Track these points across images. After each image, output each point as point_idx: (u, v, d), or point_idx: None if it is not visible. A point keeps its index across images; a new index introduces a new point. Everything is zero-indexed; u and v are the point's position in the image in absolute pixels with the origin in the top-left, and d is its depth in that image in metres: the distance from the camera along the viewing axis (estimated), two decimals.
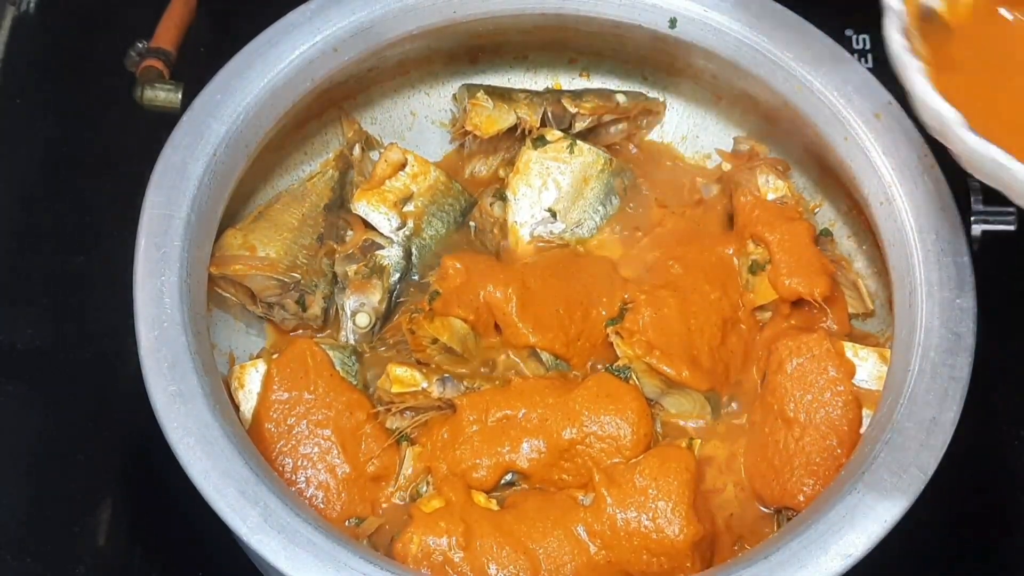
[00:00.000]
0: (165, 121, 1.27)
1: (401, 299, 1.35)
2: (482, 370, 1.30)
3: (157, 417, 1.10)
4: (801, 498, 1.22)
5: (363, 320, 1.32)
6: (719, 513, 1.26)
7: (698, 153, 1.47)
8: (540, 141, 1.37)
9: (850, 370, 1.25)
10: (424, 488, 1.23)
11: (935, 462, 1.12)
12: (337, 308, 1.33)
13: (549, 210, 1.36)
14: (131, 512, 1.32)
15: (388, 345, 1.32)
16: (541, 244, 1.36)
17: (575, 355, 1.31)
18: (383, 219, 1.35)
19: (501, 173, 1.41)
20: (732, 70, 1.35)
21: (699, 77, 1.41)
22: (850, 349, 1.27)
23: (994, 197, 1.39)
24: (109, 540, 1.31)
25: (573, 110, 1.40)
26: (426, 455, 1.24)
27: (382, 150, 1.40)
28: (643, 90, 1.46)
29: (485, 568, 1.16)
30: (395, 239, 1.35)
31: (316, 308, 1.32)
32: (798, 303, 1.31)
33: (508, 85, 1.45)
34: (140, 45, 1.53)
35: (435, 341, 1.28)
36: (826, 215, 1.41)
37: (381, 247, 1.35)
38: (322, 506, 1.21)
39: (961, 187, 1.32)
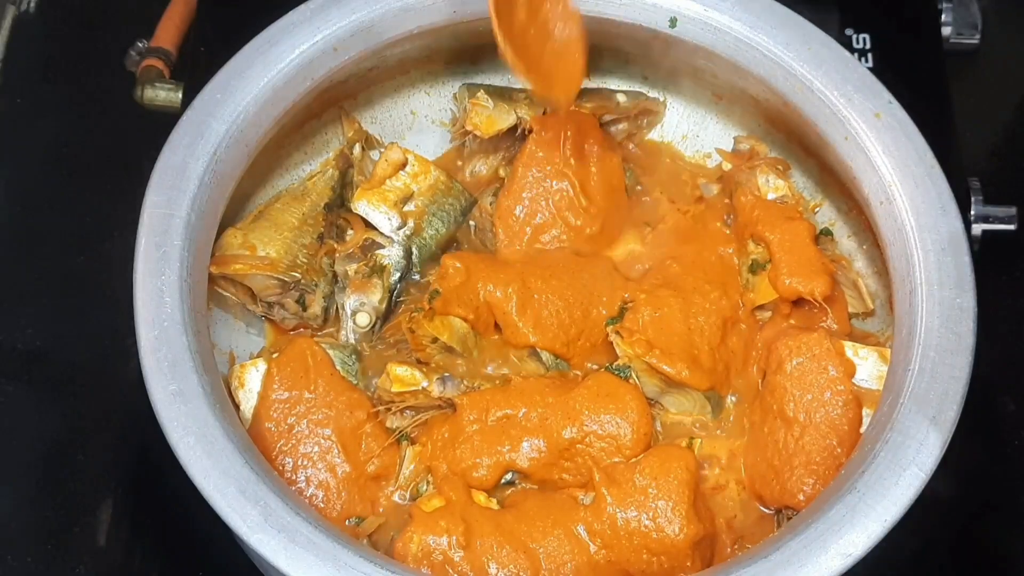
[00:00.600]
0: (165, 121, 1.27)
1: (401, 298, 1.35)
2: (488, 369, 1.30)
3: (157, 416, 1.10)
4: (801, 497, 1.22)
5: (363, 319, 1.32)
6: (719, 513, 1.26)
7: (698, 152, 1.47)
8: None
9: (850, 369, 1.25)
10: (424, 487, 1.23)
11: (935, 462, 1.12)
12: (337, 307, 1.33)
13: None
14: (131, 512, 1.32)
15: (388, 344, 1.32)
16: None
17: (575, 354, 1.31)
18: (383, 218, 1.35)
19: (501, 172, 1.41)
20: (732, 70, 1.35)
21: (699, 77, 1.41)
22: (850, 348, 1.27)
23: (994, 197, 1.40)
24: (109, 540, 1.31)
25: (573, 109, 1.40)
26: (426, 454, 1.24)
27: (382, 149, 1.40)
28: (643, 90, 1.46)
29: (485, 567, 1.16)
30: (395, 238, 1.35)
31: (316, 307, 1.32)
32: (798, 302, 1.31)
33: (508, 85, 1.45)
34: (140, 45, 1.53)
35: (435, 340, 1.28)
36: (826, 215, 1.41)
37: (381, 246, 1.35)
38: (322, 505, 1.21)
39: (961, 187, 1.33)
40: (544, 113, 1.39)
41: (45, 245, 1.47)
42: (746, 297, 1.33)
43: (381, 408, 1.26)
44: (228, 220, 1.29)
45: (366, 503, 1.23)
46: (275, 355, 1.26)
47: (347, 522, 1.22)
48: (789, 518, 1.22)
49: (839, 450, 1.23)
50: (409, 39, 1.34)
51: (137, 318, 1.14)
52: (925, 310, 1.20)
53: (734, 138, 1.44)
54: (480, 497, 1.22)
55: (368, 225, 1.35)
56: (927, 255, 1.22)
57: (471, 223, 1.39)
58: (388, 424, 1.26)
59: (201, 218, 1.21)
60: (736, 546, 1.25)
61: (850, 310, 1.34)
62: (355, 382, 1.27)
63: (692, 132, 1.46)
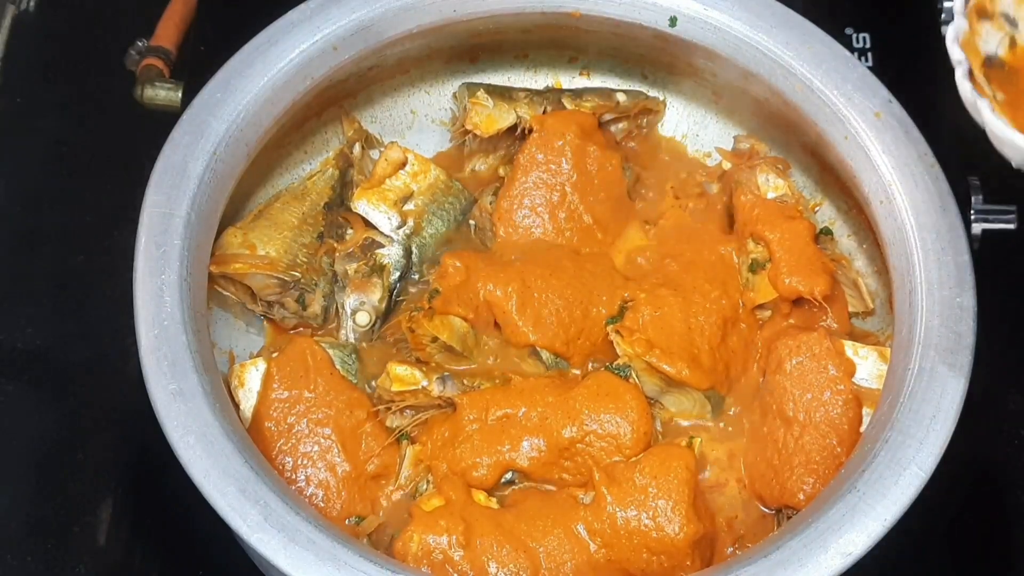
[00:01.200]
0: (165, 120, 1.28)
1: (401, 298, 1.35)
2: (488, 360, 1.30)
3: (157, 416, 1.10)
4: (801, 497, 1.22)
5: (363, 319, 1.32)
6: (719, 512, 1.26)
7: (698, 152, 1.47)
8: None
9: (850, 369, 1.25)
10: (424, 487, 1.23)
11: (935, 461, 1.12)
12: (337, 307, 1.33)
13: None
14: (131, 512, 1.32)
15: (388, 343, 1.32)
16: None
17: (575, 353, 1.31)
18: (383, 218, 1.35)
19: (501, 171, 1.41)
20: (732, 69, 1.35)
21: (699, 76, 1.41)
22: (850, 348, 1.27)
23: (994, 196, 1.39)
24: (109, 540, 1.30)
25: (573, 109, 1.40)
26: (426, 454, 1.24)
27: (382, 149, 1.40)
28: (643, 89, 1.46)
29: (485, 567, 1.16)
30: (395, 238, 1.35)
31: (316, 307, 1.32)
32: (798, 302, 1.31)
33: (508, 84, 1.45)
34: (140, 44, 1.53)
35: (435, 339, 1.28)
36: (826, 214, 1.41)
37: (381, 246, 1.35)
38: (322, 505, 1.21)
39: (961, 186, 1.32)
40: (544, 112, 1.39)
41: (45, 245, 1.47)
42: (746, 296, 1.33)
43: (381, 407, 1.26)
44: (228, 219, 1.29)
45: (366, 502, 1.23)
46: (275, 354, 1.26)
47: (347, 521, 1.22)
48: (789, 517, 1.22)
49: (839, 449, 1.23)
50: (409, 38, 1.35)
51: (137, 318, 1.14)
52: (925, 309, 1.20)
53: (734, 137, 1.44)
54: (480, 496, 1.22)
55: (368, 224, 1.35)
56: (927, 254, 1.22)
57: (471, 222, 1.39)
58: (388, 423, 1.26)
59: (201, 217, 1.21)
60: (736, 545, 1.25)
61: (850, 309, 1.34)
62: (355, 381, 1.27)
63: (692, 131, 1.46)
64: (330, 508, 1.21)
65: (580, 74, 1.47)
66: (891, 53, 1.54)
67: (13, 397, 1.38)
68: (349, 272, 1.34)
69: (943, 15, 1.57)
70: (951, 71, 1.53)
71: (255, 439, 1.17)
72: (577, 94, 1.41)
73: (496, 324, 1.30)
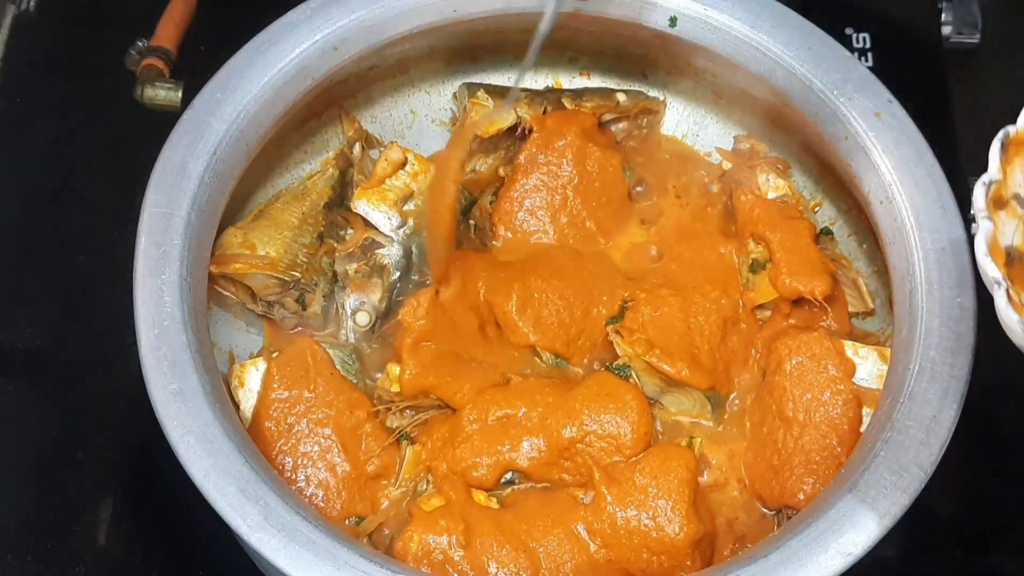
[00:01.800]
0: (165, 120, 1.27)
1: (401, 298, 1.34)
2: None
3: (157, 416, 1.10)
4: (801, 497, 1.22)
5: (363, 319, 1.32)
6: (719, 512, 1.26)
7: (698, 152, 1.46)
8: None
9: (850, 369, 1.25)
10: (424, 487, 1.23)
11: (935, 461, 1.12)
12: (337, 307, 1.33)
13: None
14: (131, 512, 1.32)
15: (388, 344, 1.32)
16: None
17: (575, 354, 1.31)
18: (383, 218, 1.35)
19: (501, 172, 1.41)
20: (732, 69, 1.35)
21: (699, 76, 1.41)
22: (850, 348, 1.27)
23: None
24: (109, 540, 1.30)
25: (573, 109, 1.40)
26: (426, 454, 1.24)
27: (382, 149, 1.40)
28: (643, 89, 1.46)
29: (485, 566, 1.16)
30: (395, 238, 1.35)
31: (316, 307, 1.32)
32: (798, 302, 1.31)
33: (508, 84, 1.45)
34: (140, 44, 1.53)
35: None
36: (826, 214, 1.41)
37: (381, 246, 1.35)
38: (322, 505, 1.21)
39: (961, 187, 1.32)
40: (544, 112, 1.39)
41: (45, 245, 1.47)
42: (746, 296, 1.33)
43: (381, 408, 1.26)
44: (228, 219, 1.29)
45: (366, 502, 1.23)
46: (275, 354, 1.26)
47: (347, 521, 1.22)
48: (789, 518, 1.22)
49: (839, 449, 1.23)
50: (409, 38, 1.35)
51: (137, 317, 1.14)
52: (925, 309, 1.19)
53: (734, 137, 1.44)
54: (480, 496, 1.22)
55: (368, 224, 1.35)
56: (927, 254, 1.22)
57: (471, 223, 1.39)
58: (388, 424, 1.26)
59: (201, 217, 1.21)
60: (736, 546, 1.25)
61: (850, 309, 1.34)
62: (355, 381, 1.27)
63: (692, 131, 1.46)
64: (330, 508, 1.21)
65: (580, 74, 1.47)
66: (891, 53, 1.54)
67: (13, 397, 1.38)
68: (349, 272, 1.34)
69: (943, 15, 1.57)
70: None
71: (255, 439, 1.17)
72: (577, 94, 1.41)
73: (496, 324, 1.30)
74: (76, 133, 1.53)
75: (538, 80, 1.47)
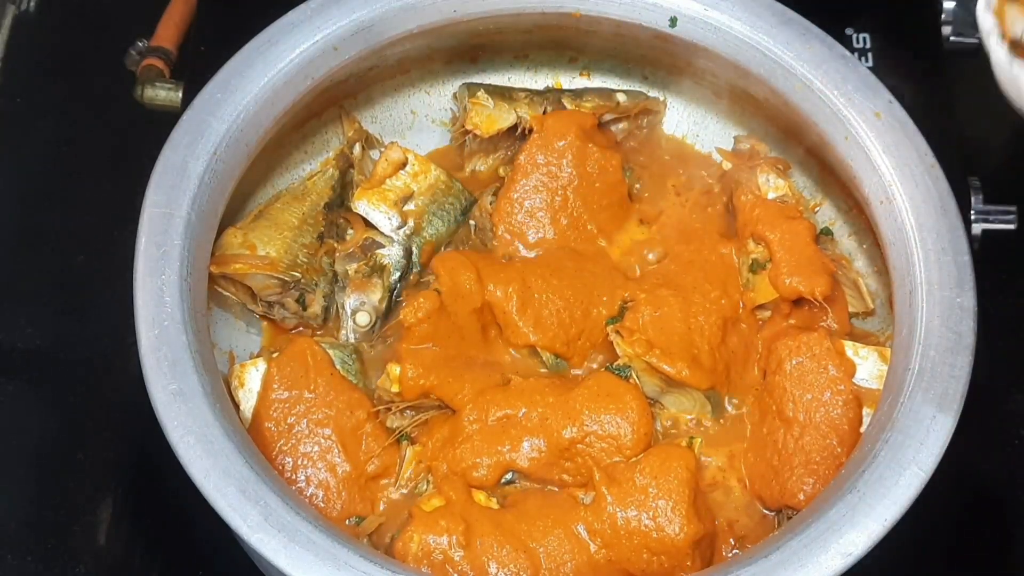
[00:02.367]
0: (165, 120, 1.27)
1: (401, 298, 1.35)
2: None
3: (157, 416, 1.10)
4: (801, 497, 1.22)
5: (363, 319, 1.32)
6: (719, 512, 1.26)
7: (699, 152, 1.46)
8: None
9: (850, 369, 1.25)
10: (424, 487, 1.23)
11: (935, 461, 1.12)
12: (337, 307, 1.33)
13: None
14: (131, 512, 1.32)
15: (388, 344, 1.32)
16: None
17: (575, 354, 1.31)
18: (383, 218, 1.35)
19: (501, 171, 1.41)
20: (732, 69, 1.35)
21: (699, 76, 1.41)
22: (850, 348, 1.27)
23: (994, 196, 1.40)
24: (109, 540, 1.31)
25: (573, 109, 1.40)
26: (426, 454, 1.24)
27: (382, 149, 1.40)
28: (643, 89, 1.46)
29: (485, 567, 1.16)
30: (395, 238, 1.35)
31: (316, 307, 1.32)
32: (798, 302, 1.31)
33: (508, 84, 1.45)
34: (140, 44, 1.53)
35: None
36: (826, 214, 1.41)
37: (381, 246, 1.35)
38: (322, 505, 1.21)
39: (962, 186, 1.33)
40: (544, 112, 1.39)
41: (45, 245, 1.47)
42: (746, 296, 1.33)
43: (381, 408, 1.26)
44: (228, 220, 1.29)
45: (366, 503, 1.23)
46: (275, 355, 1.26)
47: (347, 522, 1.22)
48: (789, 518, 1.22)
49: (839, 450, 1.23)
50: (409, 38, 1.34)
51: (137, 318, 1.14)
52: (925, 309, 1.20)
53: (734, 137, 1.44)
54: (480, 497, 1.22)
55: (368, 224, 1.35)
56: (927, 254, 1.22)
57: (471, 222, 1.39)
58: (388, 424, 1.26)
59: (201, 218, 1.21)
60: (736, 546, 1.25)
61: (850, 309, 1.34)
62: (355, 382, 1.27)
63: (692, 132, 1.46)
64: (330, 508, 1.21)
65: (580, 74, 1.47)
66: (891, 53, 1.54)
67: (13, 397, 1.38)
68: (349, 272, 1.34)
69: (943, 15, 1.57)
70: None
71: (255, 439, 1.17)
72: (577, 94, 1.41)
73: (496, 324, 1.30)
74: (76, 133, 1.53)
75: (538, 80, 1.47)
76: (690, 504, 1.19)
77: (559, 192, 1.37)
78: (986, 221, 1.37)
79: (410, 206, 1.36)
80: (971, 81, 1.55)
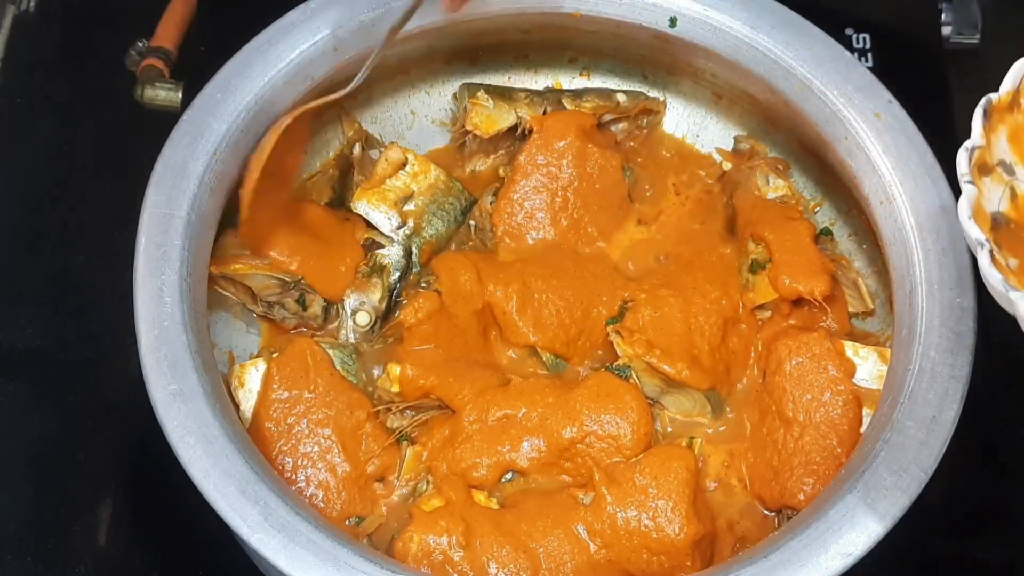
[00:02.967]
0: (165, 120, 1.27)
1: (401, 298, 1.35)
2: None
3: (157, 416, 1.10)
4: (801, 497, 1.22)
5: (363, 319, 1.32)
6: (720, 512, 1.26)
7: (698, 152, 1.46)
8: None
9: (850, 369, 1.25)
10: (424, 487, 1.23)
11: (935, 461, 1.12)
12: (337, 307, 1.33)
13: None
14: (131, 512, 1.32)
15: (388, 344, 1.32)
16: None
17: (575, 354, 1.31)
18: (383, 218, 1.35)
19: (501, 172, 1.41)
20: (732, 69, 1.35)
21: (699, 76, 1.41)
22: (850, 348, 1.27)
23: None
24: (109, 540, 1.30)
25: (573, 109, 1.40)
26: (426, 454, 1.24)
27: (382, 149, 1.40)
28: (643, 89, 1.46)
29: (485, 567, 1.16)
30: (395, 238, 1.35)
31: (316, 307, 1.32)
32: (798, 302, 1.31)
33: (508, 84, 1.45)
34: (140, 44, 1.53)
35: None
36: (826, 214, 1.41)
37: (381, 246, 1.35)
38: (322, 505, 1.21)
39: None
40: (544, 113, 1.39)
41: (45, 245, 1.47)
42: (746, 297, 1.33)
43: (381, 408, 1.26)
44: (228, 220, 1.29)
45: (366, 503, 1.23)
46: (275, 354, 1.26)
47: (347, 522, 1.22)
48: (789, 518, 1.22)
49: (839, 450, 1.23)
50: (409, 39, 1.34)
51: (137, 318, 1.14)
52: (925, 310, 1.20)
53: (734, 138, 1.44)
54: (480, 497, 1.22)
55: (368, 225, 1.35)
56: (927, 255, 1.22)
57: (471, 223, 1.39)
58: (388, 424, 1.26)
59: (201, 218, 1.21)
60: (736, 546, 1.25)
61: (850, 310, 1.34)
62: (355, 382, 1.27)
63: (692, 132, 1.46)
64: (330, 508, 1.21)
65: (580, 75, 1.47)
66: (891, 53, 1.54)
67: (13, 397, 1.38)
68: None
69: (943, 15, 1.57)
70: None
71: (255, 439, 1.17)
72: (577, 95, 1.41)
73: (496, 324, 1.30)
74: (76, 133, 1.53)
75: (538, 80, 1.47)
76: (690, 504, 1.19)
77: (559, 192, 1.37)
78: None
79: (410, 206, 1.36)
80: (971, 81, 1.56)
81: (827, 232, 1.38)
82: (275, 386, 1.24)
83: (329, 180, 1.38)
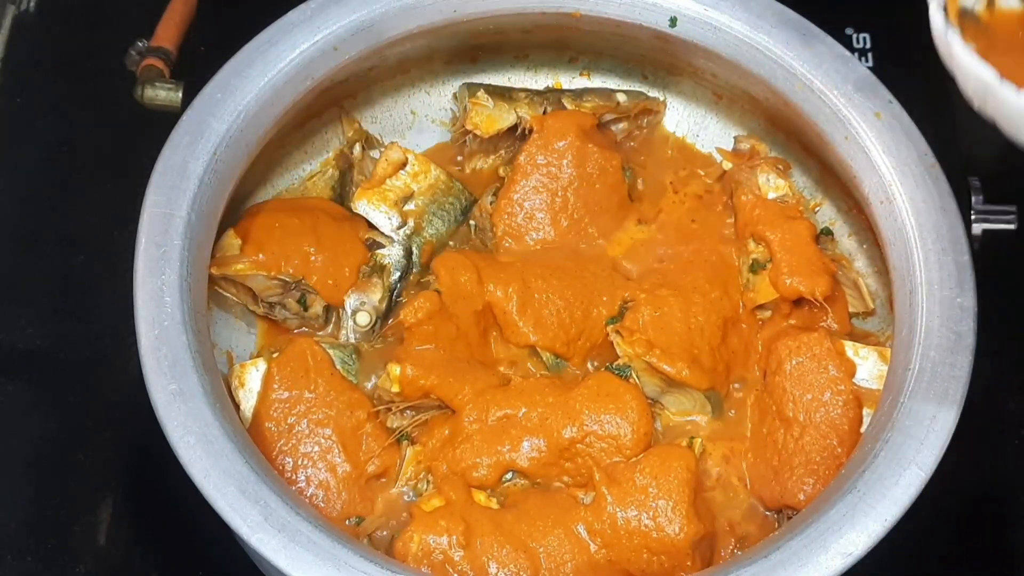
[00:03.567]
0: (165, 120, 1.27)
1: (401, 298, 1.35)
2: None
3: (157, 416, 1.10)
4: (801, 497, 1.22)
5: (363, 319, 1.32)
6: (720, 512, 1.26)
7: (698, 152, 1.46)
8: None
9: (850, 369, 1.25)
10: (424, 487, 1.23)
11: (935, 461, 1.12)
12: (338, 308, 1.33)
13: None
14: (131, 512, 1.32)
15: (388, 344, 1.32)
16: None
17: (575, 354, 1.31)
18: (384, 218, 1.35)
19: (501, 172, 1.41)
20: (732, 69, 1.35)
21: (699, 76, 1.41)
22: (850, 348, 1.27)
23: (994, 196, 1.40)
24: (109, 540, 1.30)
25: (573, 109, 1.40)
26: (426, 454, 1.24)
27: (382, 149, 1.40)
28: (643, 89, 1.46)
29: (485, 567, 1.16)
30: (396, 238, 1.35)
31: (317, 307, 1.32)
32: (798, 302, 1.31)
33: (508, 84, 1.45)
34: (140, 44, 1.53)
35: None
36: (827, 214, 1.41)
37: (382, 246, 1.35)
38: (322, 505, 1.21)
39: (962, 186, 1.32)
40: (544, 113, 1.39)
41: (45, 245, 1.47)
42: (746, 297, 1.33)
43: (381, 408, 1.26)
44: (228, 220, 1.29)
45: (366, 503, 1.23)
46: (275, 354, 1.26)
47: (347, 522, 1.22)
48: (789, 518, 1.22)
49: (839, 450, 1.23)
50: (409, 38, 1.34)
51: (137, 318, 1.14)
52: (925, 309, 1.20)
53: (734, 137, 1.44)
54: (480, 497, 1.22)
55: (368, 225, 1.35)
56: (927, 254, 1.22)
57: (471, 223, 1.39)
58: (388, 424, 1.26)
59: (201, 218, 1.21)
60: (736, 546, 1.25)
61: (850, 310, 1.34)
62: (355, 382, 1.27)
63: (692, 132, 1.46)
64: (330, 508, 1.21)
65: (580, 74, 1.47)
66: (891, 53, 1.54)
67: (13, 397, 1.38)
68: None
69: None
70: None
71: (255, 439, 1.17)
72: (577, 94, 1.41)
73: (496, 324, 1.30)
74: (76, 133, 1.53)
75: (538, 80, 1.47)
76: (690, 504, 1.19)
77: (559, 192, 1.37)
78: (986, 221, 1.37)
79: (410, 206, 1.36)
80: None
81: (827, 232, 1.38)
82: (275, 386, 1.24)
83: (329, 180, 1.38)
